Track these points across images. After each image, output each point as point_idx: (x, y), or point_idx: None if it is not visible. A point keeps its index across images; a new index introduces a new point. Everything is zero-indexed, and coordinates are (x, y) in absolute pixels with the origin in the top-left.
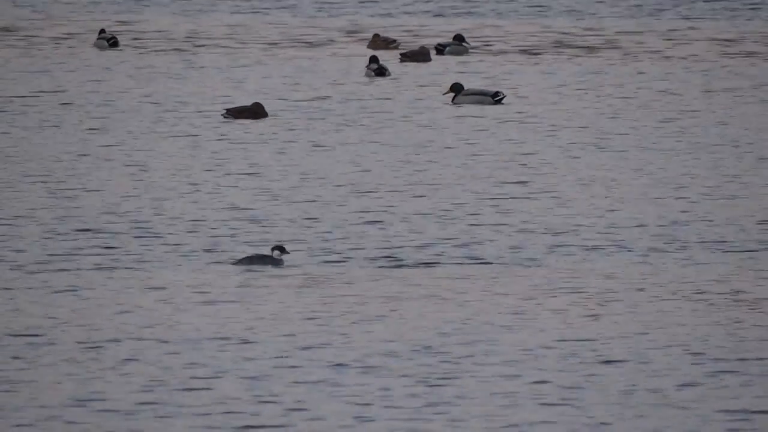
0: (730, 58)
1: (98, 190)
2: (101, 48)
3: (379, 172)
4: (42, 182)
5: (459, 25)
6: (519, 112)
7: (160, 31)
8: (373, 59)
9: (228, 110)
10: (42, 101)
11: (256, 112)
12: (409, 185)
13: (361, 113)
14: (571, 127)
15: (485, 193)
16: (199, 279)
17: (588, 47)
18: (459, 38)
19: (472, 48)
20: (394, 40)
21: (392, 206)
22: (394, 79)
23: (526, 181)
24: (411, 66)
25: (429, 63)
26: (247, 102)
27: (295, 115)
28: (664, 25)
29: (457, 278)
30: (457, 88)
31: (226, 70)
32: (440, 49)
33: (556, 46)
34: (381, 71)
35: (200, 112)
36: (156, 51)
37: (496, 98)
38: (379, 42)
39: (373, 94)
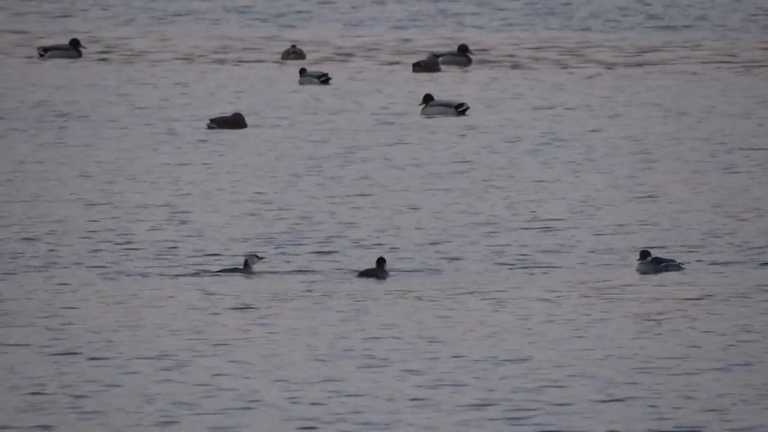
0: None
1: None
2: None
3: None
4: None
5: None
6: (483, 122)
7: (124, 44)
8: (303, 71)
9: (212, 120)
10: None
11: (236, 122)
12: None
13: (331, 119)
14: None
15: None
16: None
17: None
18: (463, 49)
19: (473, 57)
20: (301, 51)
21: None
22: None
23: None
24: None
25: (439, 73)
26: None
27: (271, 125)
28: (667, 37)
29: (489, 280)
30: (428, 100)
31: (182, 83)
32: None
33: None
34: (326, 79)
35: (184, 122)
36: (123, 62)
37: (459, 109)
38: (289, 54)
39: (327, 101)
